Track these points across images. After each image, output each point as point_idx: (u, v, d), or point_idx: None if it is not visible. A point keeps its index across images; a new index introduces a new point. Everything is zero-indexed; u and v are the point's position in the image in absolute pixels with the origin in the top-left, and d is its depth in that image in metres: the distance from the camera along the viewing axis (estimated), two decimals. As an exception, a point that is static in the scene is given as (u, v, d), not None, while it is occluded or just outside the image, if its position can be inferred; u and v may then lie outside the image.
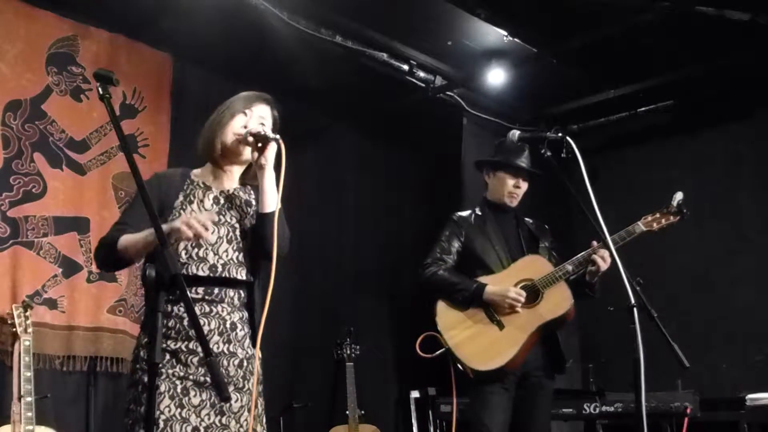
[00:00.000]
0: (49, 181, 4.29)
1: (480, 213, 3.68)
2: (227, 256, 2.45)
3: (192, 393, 2.35)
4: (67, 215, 4.34)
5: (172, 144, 4.78)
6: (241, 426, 2.41)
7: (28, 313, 3.82)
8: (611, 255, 2.89)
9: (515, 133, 3.20)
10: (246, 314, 2.51)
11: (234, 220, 2.51)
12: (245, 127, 2.51)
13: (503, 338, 3.39)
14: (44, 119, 4.32)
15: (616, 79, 5.54)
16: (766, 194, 5.48)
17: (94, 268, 4.36)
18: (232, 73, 4.96)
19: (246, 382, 2.45)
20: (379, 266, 5.93)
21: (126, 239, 2.38)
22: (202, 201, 2.50)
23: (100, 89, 2.07)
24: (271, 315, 2.30)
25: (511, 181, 3.62)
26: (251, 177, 2.60)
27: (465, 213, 3.72)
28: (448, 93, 5.56)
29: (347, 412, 4.90)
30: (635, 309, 2.61)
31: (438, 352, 3.44)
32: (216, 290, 2.43)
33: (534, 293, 3.43)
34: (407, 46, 5.08)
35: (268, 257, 2.44)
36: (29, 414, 3.61)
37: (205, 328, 2.38)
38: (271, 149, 2.46)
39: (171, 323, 2.37)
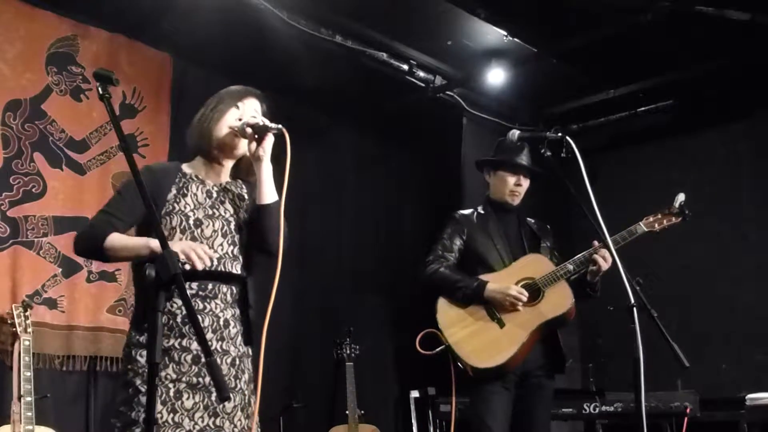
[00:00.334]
0: (49, 180, 4.29)
1: (483, 212, 3.67)
2: (222, 250, 2.44)
3: (185, 396, 2.33)
4: (67, 215, 4.33)
5: (172, 144, 4.78)
6: (235, 426, 2.39)
7: (28, 313, 3.82)
8: (611, 255, 2.89)
9: (515, 133, 3.21)
10: (238, 311, 2.47)
11: (228, 214, 2.50)
12: (240, 119, 2.49)
13: (504, 336, 3.39)
14: (44, 119, 4.32)
15: (616, 79, 5.54)
16: (766, 194, 5.47)
17: (93, 268, 4.36)
18: (232, 73, 4.93)
19: (238, 381, 2.44)
20: (379, 266, 5.92)
21: (115, 240, 2.34)
22: (195, 194, 2.48)
23: (99, 89, 2.06)
24: (271, 315, 2.27)
25: (511, 179, 3.61)
26: (244, 171, 2.58)
27: (467, 211, 3.71)
28: (448, 93, 5.56)
29: (347, 412, 4.90)
30: (635, 309, 2.62)
31: (438, 350, 3.43)
32: (210, 285, 2.41)
33: (535, 292, 3.42)
34: (407, 46, 5.08)
35: (268, 250, 2.43)
36: (29, 414, 3.61)
37: None
38: (269, 140, 2.44)
39: (164, 320, 2.32)
